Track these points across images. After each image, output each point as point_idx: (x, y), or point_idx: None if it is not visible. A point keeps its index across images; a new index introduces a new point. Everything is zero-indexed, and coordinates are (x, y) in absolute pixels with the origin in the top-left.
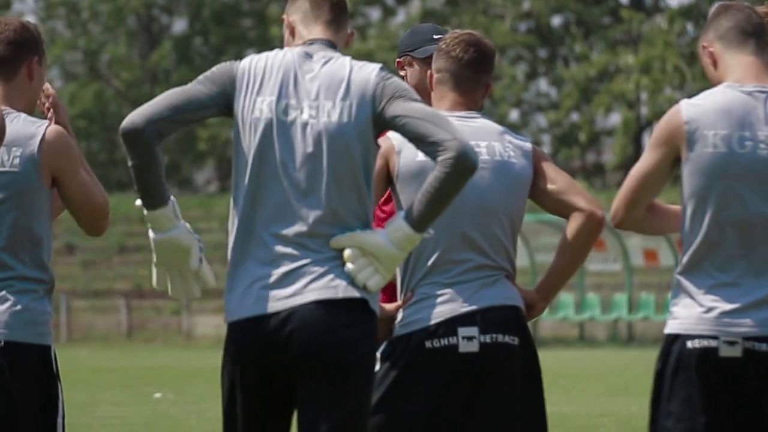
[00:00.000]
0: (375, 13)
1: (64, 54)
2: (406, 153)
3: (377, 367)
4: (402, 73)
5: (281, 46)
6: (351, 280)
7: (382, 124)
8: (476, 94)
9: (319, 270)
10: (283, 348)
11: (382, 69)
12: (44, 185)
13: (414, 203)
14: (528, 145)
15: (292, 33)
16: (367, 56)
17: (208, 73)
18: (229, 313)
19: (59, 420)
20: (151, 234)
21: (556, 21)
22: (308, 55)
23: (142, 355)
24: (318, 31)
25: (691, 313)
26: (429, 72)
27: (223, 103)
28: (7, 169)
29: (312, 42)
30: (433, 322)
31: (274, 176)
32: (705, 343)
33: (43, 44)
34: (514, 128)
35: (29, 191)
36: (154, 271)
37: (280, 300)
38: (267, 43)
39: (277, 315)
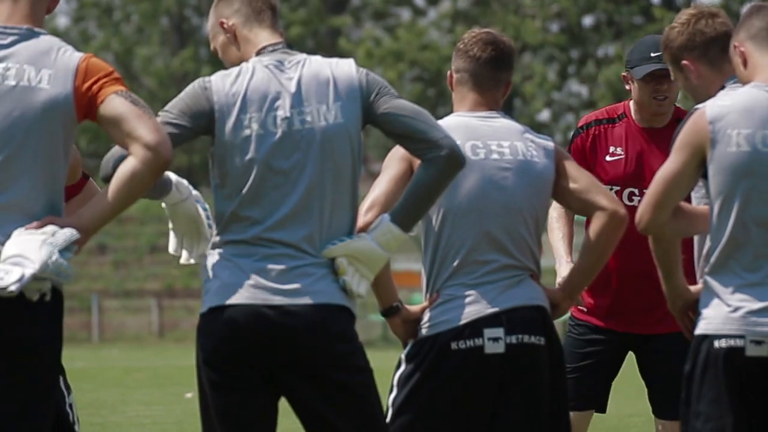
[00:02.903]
0: (405, 13)
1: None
2: None
3: (402, 367)
4: (627, 87)
5: (300, 48)
6: (342, 288)
7: (370, 118)
8: (496, 93)
9: (316, 273)
10: (277, 342)
11: (354, 62)
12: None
13: (401, 204)
14: (550, 144)
15: (234, 37)
16: (397, 56)
17: (179, 103)
18: (216, 297)
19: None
20: (163, 204)
21: (587, 21)
22: (280, 63)
23: (173, 355)
24: (267, 36)
25: (718, 313)
26: (449, 72)
27: (204, 126)
28: None
29: (273, 49)
30: (459, 323)
31: (274, 187)
32: (732, 342)
33: None
34: (545, 128)
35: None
36: (171, 236)
37: (278, 294)
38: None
39: (274, 308)
